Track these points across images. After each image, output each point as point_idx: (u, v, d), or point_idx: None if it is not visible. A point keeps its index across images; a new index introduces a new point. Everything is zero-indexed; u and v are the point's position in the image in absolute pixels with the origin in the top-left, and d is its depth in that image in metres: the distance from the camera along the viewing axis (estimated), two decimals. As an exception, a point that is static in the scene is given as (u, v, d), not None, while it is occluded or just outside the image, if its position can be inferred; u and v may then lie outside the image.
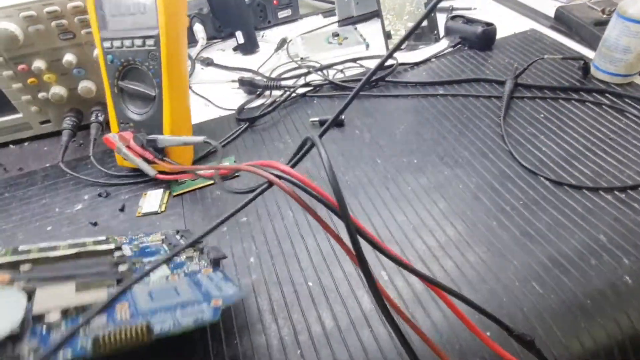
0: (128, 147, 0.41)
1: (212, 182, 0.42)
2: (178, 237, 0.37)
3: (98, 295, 0.28)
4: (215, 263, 0.34)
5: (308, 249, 0.35)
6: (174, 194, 0.41)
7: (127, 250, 0.34)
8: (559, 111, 0.46)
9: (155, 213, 0.40)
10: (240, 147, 0.47)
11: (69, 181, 0.46)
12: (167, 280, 0.31)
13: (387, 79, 0.53)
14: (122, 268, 0.31)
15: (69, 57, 0.46)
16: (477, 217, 0.36)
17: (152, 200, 0.42)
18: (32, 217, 0.42)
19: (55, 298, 0.27)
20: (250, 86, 0.54)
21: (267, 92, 0.55)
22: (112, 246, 0.33)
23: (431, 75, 0.54)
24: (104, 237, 0.35)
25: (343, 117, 0.48)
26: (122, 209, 0.41)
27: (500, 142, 0.43)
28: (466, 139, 0.44)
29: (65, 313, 0.26)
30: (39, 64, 0.45)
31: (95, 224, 0.40)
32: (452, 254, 0.34)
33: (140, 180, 0.44)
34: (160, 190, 0.42)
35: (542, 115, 0.46)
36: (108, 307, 0.26)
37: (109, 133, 0.43)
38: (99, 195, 0.43)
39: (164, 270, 0.33)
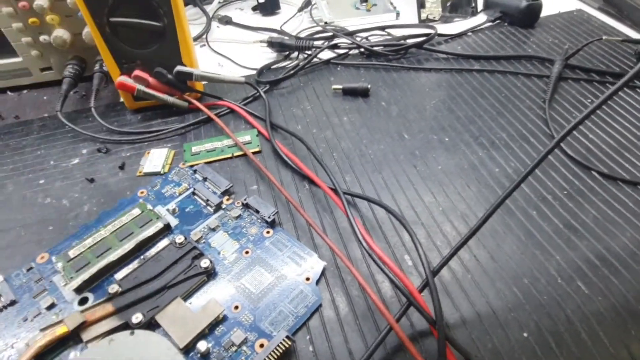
0: (148, 85, 0.38)
1: (229, 155, 0.38)
2: (207, 186, 0.34)
3: (216, 311, 0.26)
4: (271, 222, 0.31)
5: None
6: (187, 163, 0.37)
7: (174, 222, 0.32)
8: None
9: (158, 174, 0.37)
10: (258, 112, 0.43)
11: (67, 133, 0.42)
12: (245, 258, 0.30)
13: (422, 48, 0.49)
14: (204, 264, 0.28)
15: (74, -2, 0.42)
16: (514, 204, 0.32)
17: (155, 159, 0.38)
18: (25, 169, 0.39)
19: (180, 322, 0.26)
20: (280, 47, 0.49)
21: (292, 55, 0.51)
22: (160, 225, 0.30)
23: (466, 50, 0.50)
24: (139, 211, 0.31)
25: (369, 86, 0.43)
26: (122, 167, 0.38)
27: (542, 126, 0.39)
28: (504, 119, 0.40)
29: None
30: (41, 1, 0.41)
31: (92, 180, 0.37)
32: (485, 243, 0.30)
33: (144, 137, 0.40)
34: (165, 150, 0.39)
35: (589, 101, 0.41)
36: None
37: (118, 78, 0.40)
38: (99, 150, 0.40)
39: (231, 244, 0.30)
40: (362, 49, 0.49)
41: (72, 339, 0.26)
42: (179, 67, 0.41)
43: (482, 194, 0.33)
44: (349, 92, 0.44)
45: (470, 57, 0.48)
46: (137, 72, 0.40)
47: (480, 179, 0.34)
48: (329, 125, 0.41)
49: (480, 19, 0.55)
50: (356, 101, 0.43)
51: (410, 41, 0.49)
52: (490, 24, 0.54)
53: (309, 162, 0.36)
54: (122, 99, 0.44)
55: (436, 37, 0.50)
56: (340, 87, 0.44)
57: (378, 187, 0.34)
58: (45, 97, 0.48)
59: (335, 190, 0.32)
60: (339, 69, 0.48)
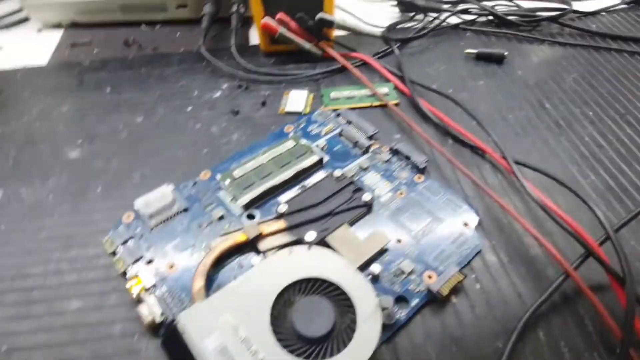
0: (289, 29, 0.39)
1: (368, 104, 0.39)
2: (353, 129, 0.35)
3: (382, 240, 0.27)
4: (422, 169, 0.32)
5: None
6: (327, 107, 0.38)
7: (325, 158, 0.33)
8: None
9: (300, 113, 0.38)
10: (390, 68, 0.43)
11: (206, 68, 0.44)
12: (400, 199, 0.31)
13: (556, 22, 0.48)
14: (365, 197, 0.30)
15: None
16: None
17: (296, 99, 0.39)
18: (171, 96, 0.41)
19: (349, 246, 0.27)
20: (409, 7, 0.49)
21: (416, 17, 0.51)
22: (315, 158, 0.32)
23: (600, 29, 0.48)
24: (293, 143, 0.33)
25: (506, 53, 0.43)
26: (263, 104, 0.39)
27: (694, 110, 0.37)
28: (651, 100, 0.39)
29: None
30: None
31: (236, 112, 0.38)
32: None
33: (280, 78, 0.42)
34: (305, 92, 0.40)
35: None
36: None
37: (263, 19, 0.41)
38: (239, 86, 0.41)
39: (384, 184, 0.31)
40: (492, 17, 0.49)
41: (247, 247, 0.27)
42: (322, 14, 0.41)
43: (635, 170, 0.33)
44: (482, 58, 0.44)
45: (607, 35, 0.47)
46: (280, 15, 0.41)
47: (630, 153, 0.34)
48: (465, 87, 0.41)
49: (614, 0, 0.53)
50: (490, 67, 0.43)
51: (544, 14, 0.48)
52: (625, 6, 0.52)
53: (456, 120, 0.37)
54: (253, 42, 0.45)
55: (576, 12, 0.48)
56: (474, 51, 0.44)
57: (524, 152, 0.34)
58: (178, 34, 0.50)
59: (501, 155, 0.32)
60: (468, 34, 0.48)
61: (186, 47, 0.47)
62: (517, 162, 0.31)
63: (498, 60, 0.43)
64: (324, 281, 0.24)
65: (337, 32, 0.44)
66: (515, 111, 0.38)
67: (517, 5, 0.52)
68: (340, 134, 0.35)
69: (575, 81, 0.41)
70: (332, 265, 0.25)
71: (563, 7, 0.48)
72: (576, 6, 0.51)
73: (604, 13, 0.51)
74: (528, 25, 0.48)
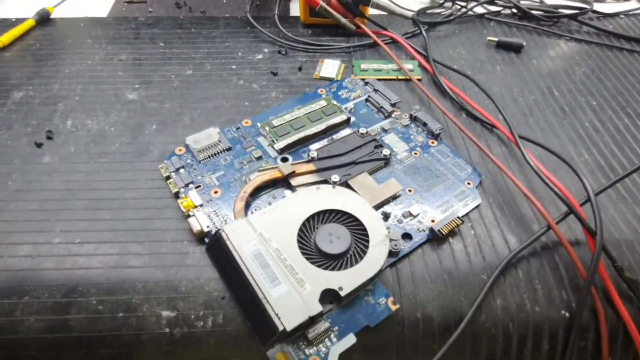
0: (329, 4, 0.43)
1: (394, 77, 0.43)
2: (378, 97, 0.40)
3: (396, 187, 0.32)
4: (437, 135, 0.36)
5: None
6: (356, 76, 0.43)
7: (352, 119, 0.38)
8: None
9: (332, 79, 0.43)
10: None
11: (249, 33, 0.49)
12: (414, 157, 0.35)
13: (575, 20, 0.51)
14: (385, 152, 0.34)
15: None
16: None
17: (329, 67, 0.44)
18: (218, 54, 0.45)
19: (367, 189, 0.32)
20: None
21: (445, 4, 0.54)
22: (344, 117, 0.36)
23: (617, 30, 0.51)
24: (324, 103, 0.38)
25: (524, 43, 0.47)
26: (299, 69, 0.44)
27: (690, 109, 0.41)
28: (652, 97, 0.42)
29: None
30: None
31: (276, 74, 0.43)
32: None
33: (316, 48, 0.46)
34: (337, 61, 0.44)
35: None
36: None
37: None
38: (279, 52, 0.46)
39: (401, 145, 0.35)
40: (515, 10, 0.52)
41: (281, 183, 0.32)
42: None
43: (626, 154, 0.37)
44: (502, 46, 0.47)
45: (622, 36, 0.50)
46: (322, -10, 0.46)
47: (624, 140, 0.38)
48: (483, 70, 0.45)
49: (633, 5, 0.56)
50: (508, 55, 0.47)
51: (565, 11, 0.51)
52: (645, 10, 0.55)
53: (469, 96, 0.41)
54: (293, 14, 0.50)
55: (595, 12, 0.52)
56: (495, 39, 0.48)
57: (527, 130, 0.38)
58: (224, 0, 0.54)
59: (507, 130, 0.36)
60: (492, 24, 0.52)
61: (231, 13, 0.52)
62: (520, 137, 0.35)
63: (516, 49, 0.47)
64: (344, 213, 0.29)
65: (371, 11, 0.48)
66: (525, 95, 0.42)
67: (541, 1, 0.55)
68: (366, 100, 0.40)
69: (585, 74, 0.45)
70: (352, 202, 0.30)
71: (584, 6, 0.52)
72: (597, 7, 0.54)
73: (622, 15, 0.54)
74: (549, 20, 0.51)
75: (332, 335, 0.25)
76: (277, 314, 0.24)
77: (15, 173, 0.33)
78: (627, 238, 0.30)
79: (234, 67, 0.44)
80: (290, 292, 0.25)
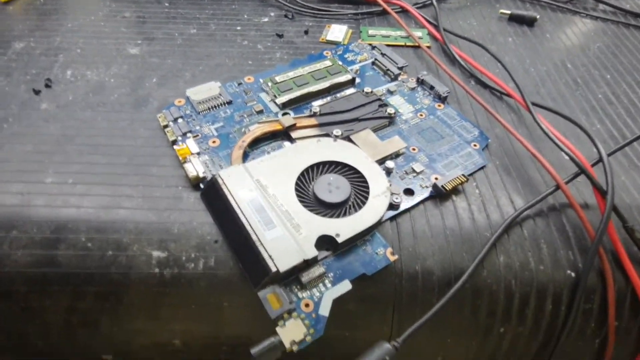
0: None
1: (402, 44, 0.42)
2: (385, 60, 0.39)
3: (399, 144, 0.31)
4: (444, 98, 0.35)
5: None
6: (363, 41, 0.41)
7: (357, 80, 0.37)
8: None
9: (339, 43, 0.42)
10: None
11: (256, -3, 0.48)
12: (420, 119, 0.34)
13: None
14: (389, 110, 0.33)
15: None
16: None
17: (336, 31, 0.43)
18: (223, 15, 0.45)
19: (370, 145, 0.31)
20: None
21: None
22: (349, 77, 0.35)
23: (634, 8, 0.50)
24: (329, 63, 0.37)
25: (537, 16, 0.46)
26: (306, 32, 0.43)
27: None
28: (668, 73, 0.41)
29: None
30: None
31: (281, 36, 0.42)
32: None
33: (324, 13, 0.45)
34: (345, 26, 0.43)
35: None
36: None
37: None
38: (285, 16, 0.45)
39: (407, 106, 0.34)
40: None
41: (282, 136, 0.31)
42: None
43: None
44: (515, 19, 0.46)
45: (638, 15, 0.48)
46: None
47: (638, 113, 0.36)
48: (494, 41, 0.44)
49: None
50: (521, 28, 0.46)
51: (581, -12, 0.50)
52: (663, -8, 0.53)
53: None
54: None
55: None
56: (508, 12, 0.46)
57: (538, 98, 0.37)
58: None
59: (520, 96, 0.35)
60: (504, -3, 0.50)
61: (241, -22, 0.51)
62: (532, 103, 0.34)
63: (530, 22, 0.46)
64: (345, 165, 0.28)
65: (381, -21, 0.47)
66: (537, 66, 0.41)
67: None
68: (373, 63, 0.39)
69: (600, 49, 0.43)
70: (354, 155, 0.29)
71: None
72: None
73: (639, -4, 0.52)
74: (564, -3, 0.50)
75: (326, 281, 0.24)
76: (270, 256, 0.23)
77: (12, 117, 0.33)
78: (639, 204, 0.29)
79: (238, 28, 0.43)
80: (285, 235, 0.24)
